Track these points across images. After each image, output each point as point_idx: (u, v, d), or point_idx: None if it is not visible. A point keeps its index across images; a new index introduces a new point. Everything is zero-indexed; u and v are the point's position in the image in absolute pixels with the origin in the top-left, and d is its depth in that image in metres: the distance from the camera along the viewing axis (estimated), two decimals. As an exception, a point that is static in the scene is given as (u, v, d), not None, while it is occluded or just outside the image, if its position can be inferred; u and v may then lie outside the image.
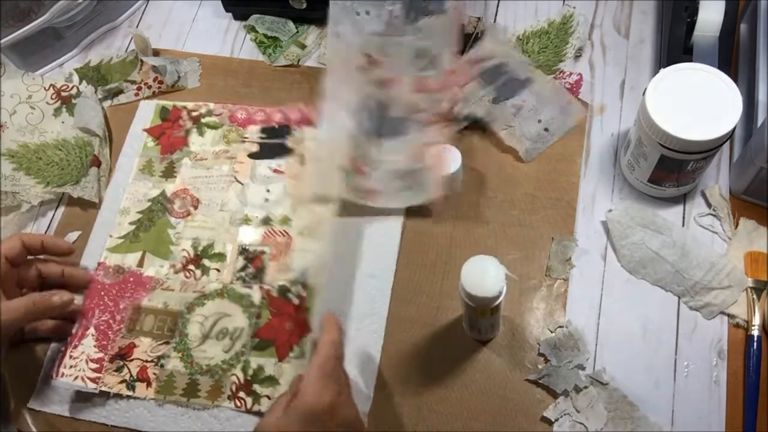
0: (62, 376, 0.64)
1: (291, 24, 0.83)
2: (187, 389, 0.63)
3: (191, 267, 0.69)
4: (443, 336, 0.65)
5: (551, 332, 0.64)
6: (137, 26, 0.89)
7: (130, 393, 0.63)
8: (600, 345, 0.64)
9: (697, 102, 0.59)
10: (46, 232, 0.75)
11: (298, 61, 0.81)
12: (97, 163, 0.76)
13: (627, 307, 0.65)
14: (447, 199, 0.69)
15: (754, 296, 0.63)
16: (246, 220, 0.70)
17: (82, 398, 0.65)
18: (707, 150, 0.60)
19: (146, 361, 0.65)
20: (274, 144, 0.74)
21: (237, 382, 0.63)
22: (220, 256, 0.69)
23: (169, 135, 0.77)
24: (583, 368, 0.62)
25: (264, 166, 0.73)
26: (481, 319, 0.59)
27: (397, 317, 0.66)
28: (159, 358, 0.65)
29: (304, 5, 0.81)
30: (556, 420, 0.61)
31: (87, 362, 0.65)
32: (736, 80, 0.67)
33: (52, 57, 0.86)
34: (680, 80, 0.61)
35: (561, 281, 0.66)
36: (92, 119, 0.78)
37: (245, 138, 0.75)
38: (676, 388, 0.61)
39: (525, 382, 0.63)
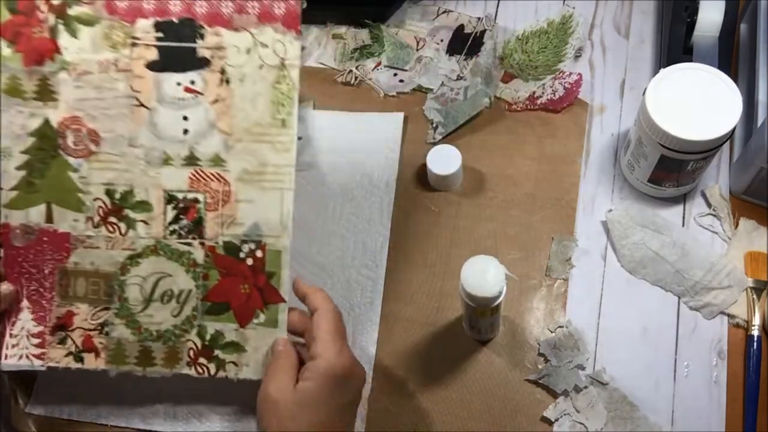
0: (6, 358, 0.59)
1: None
2: (140, 357, 0.58)
3: (113, 219, 0.59)
4: (443, 336, 0.65)
5: (551, 332, 0.64)
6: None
7: (78, 365, 0.58)
8: (600, 345, 0.64)
9: (697, 102, 0.59)
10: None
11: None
12: None
13: (627, 307, 0.65)
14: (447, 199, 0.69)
15: (754, 296, 0.63)
16: (166, 160, 0.58)
17: (81, 399, 0.65)
18: (707, 150, 0.60)
19: (89, 330, 0.59)
20: (178, 49, 0.57)
21: (194, 347, 0.58)
22: (145, 205, 0.58)
23: (29, 36, 0.58)
24: (583, 368, 0.62)
25: (171, 82, 0.57)
26: (481, 319, 0.59)
27: (396, 317, 0.66)
28: (102, 325, 0.59)
29: (304, 5, 0.81)
30: (556, 420, 0.61)
31: (28, 338, 0.59)
32: (736, 80, 0.67)
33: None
34: (680, 80, 0.61)
35: (561, 281, 0.66)
36: None
37: (136, 39, 0.57)
38: (676, 388, 0.61)
39: (525, 382, 0.63)
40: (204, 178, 0.58)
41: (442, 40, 0.81)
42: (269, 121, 0.57)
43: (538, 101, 0.76)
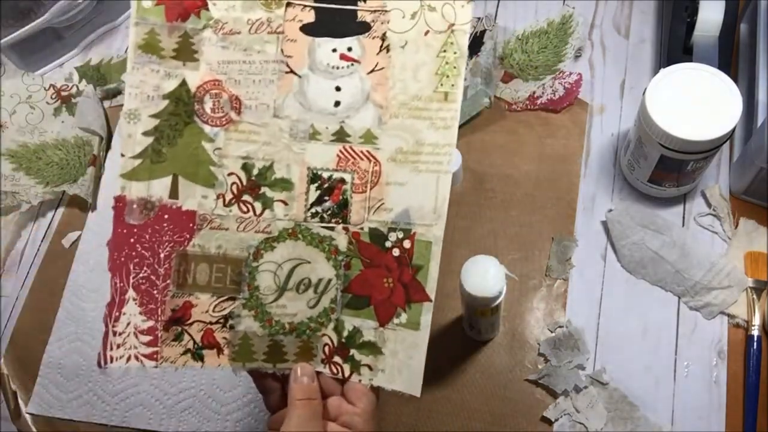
0: (111, 360, 0.50)
1: None
2: (269, 353, 0.51)
3: (247, 198, 0.52)
4: (443, 336, 0.65)
5: (551, 332, 0.64)
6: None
7: (198, 364, 0.51)
8: (600, 345, 0.64)
9: (697, 102, 0.59)
10: (45, 232, 0.75)
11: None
12: (94, 162, 0.76)
13: (627, 307, 0.65)
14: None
15: (754, 296, 0.63)
16: (314, 134, 0.51)
17: (80, 399, 0.65)
18: (707, 150, 0.60)
19: (210, 323, 0.51)
20: (337, 12, 0.51)
21: (330, 343, 0.51)
22: (286, 184, 0.51)
23: None
24: (583, 368, 0.62)
25: (326, 48, 0.51)
26: (481, 319, 0.59)
27: (397, 317, 0.66)
28: (226, 318, 0.51)
29: None
30: (556, 420, 0.61)
31: (137, 335, 0.51)
32: (736, 80, 0.67)
33: (52, 57, 0.86)
34: (680, 80, 0.61)
35: (561, 281, 0.66)
36: (94, 120, 0.78)
37: (292, 0, 0.51)
38: (676, 388, 0.61)
39: (525, 382, 0.63)
40: (353, 156, 0.51)
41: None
42: (430, 94, 0.50)
43: (538, 101, 0.76)
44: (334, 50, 0.51)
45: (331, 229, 0.51)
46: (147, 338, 0.51)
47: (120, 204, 0.51)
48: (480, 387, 0.63)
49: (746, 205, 0.68)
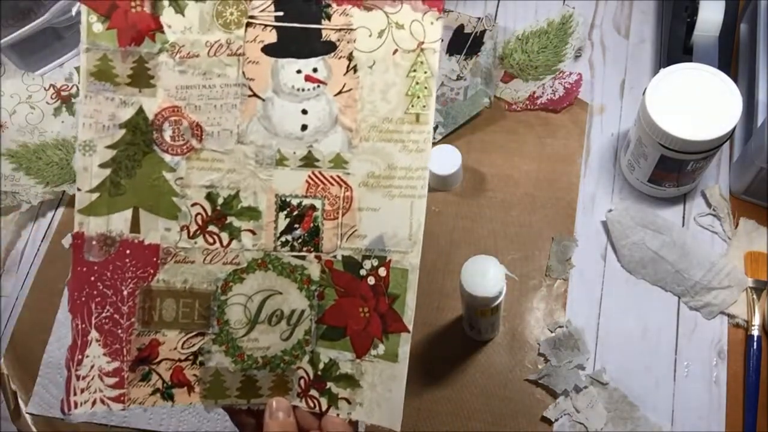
0: (75, 406, 0.48)
1: None
2: (243, 388, 0.49)
3: (213, 229, 0.50)
4: (443, 336, 0.65)
5: (551, 332, 0.64)
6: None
7: (168, 403, 0.49)
8: (600, 345, 0.64)
9: (697, 102, 0.59)
10: (46, 233, 0.75)
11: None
12: None
13: (627, 307, 0.65)
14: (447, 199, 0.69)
15: (754, 296, 0.63)
16: (281, 160, 0.49)
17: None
18: (707, 150, 0.60)
19: (179, 361, 0.49)
20: (301, 31, 0.48)
21: (306, 377, 0.49)
22: (253, 212, 0.49)
23: (126, 10, 0.48)
24: (583, 368, 0.62)
25: (290, 69, 0.48)
26: (481, 319, 0.59)
27: (397, 317, 0.66)
28: (195, 354, 0.49)
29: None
30: (556, 420, 0.61)
31: (102, 378, 0.49)
32: (736, 80, 0.68)
33: (52, 57, 0.86)
34: (680, 80, 0.61)
35: (561, 281, 0.66)
36: None
37: (252, 18, 0.48)
38: (676, 388, 0.61)
39: (525, 382, 0.63)
40: (323, 182, 0.49)
41: (442, 40, 0.81)
42: (401, 116, 0.48)
43: (538, 101, 0.76)
44: (299, 71, 0.48)
45: (303, 258, 0.49)
46: (113, 380, 0.49)
47: (78, 241, 0.48)
48: (480, 387, 0.63)
49: (746, 205, 0.68)
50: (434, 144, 0.73)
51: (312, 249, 0.49)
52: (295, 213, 0.49)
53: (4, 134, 0.79)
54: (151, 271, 0.49)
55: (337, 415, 0.48)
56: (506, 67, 0.78)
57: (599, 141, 0.73)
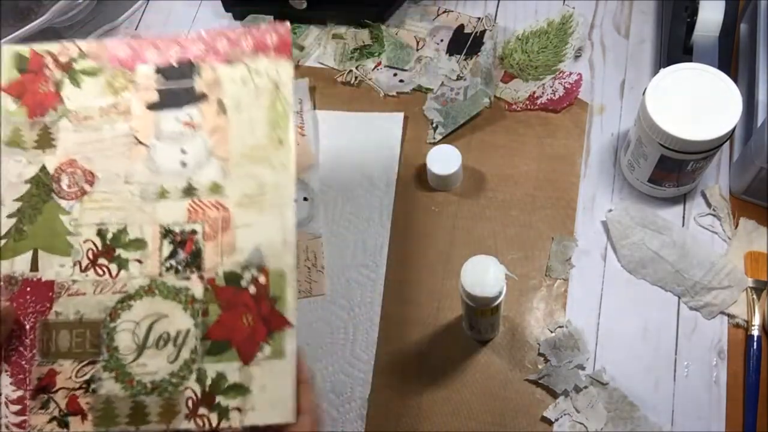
0: None
1: None
2: (132, 415, 0.52)
3: (102, 262, 0.55)
4: (443, 336, 0.65)
5: (551, 332, 0.64)
6: (137, 27, 0.88)
7: (65, 431, 0.52)
8: (600, 345, 0.64)
9: (697, 102, 0.59)
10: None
11: (298, 62, 0.81)
12: None
13: (627, 307, 0.65)
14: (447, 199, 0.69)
15: (754, 296, 0.63)
16: (162, 194, 0.56)
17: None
18: (707, 150, 0.60)
19: (74, 389, 0.53)
20: (176, 89, 0.58)
21: (193, 396, 0.52)
22: (139, 243, 0.55)
23: (35, 91, 0.59)
24: (583, 368, 0.62)
25: (169, 118, 0.58)
26: (481, 319, 0.59)
27: (396, 317, 0.66)
28: (88, 382, 0.53)
29: (305, 5, 0.81)
30: (556, 420, 0.61)
31: (8, 405, 0.53)
32: (736, 80, 0.68)
33: (52, 57, 0.86)
34: (680, 80, 0.61)
35: (561, 281, 0.66)
36: None
37: (136, 83, 0.58)
38: (676, 388, 0.61)
39: (525, 382, 0.63)
40: (202, 208, 0.56)
41: (442, 40, 0.81)
42: (266, 143, 0.56)
43: (538, 101, 0.76)
44: (177, 119, 0.57)
45: (187, 279, 0.53)
46: (17, 407, 0.53)
47: None
48: (480, 387, 0.63)
49: (746, 205, 0.68)
50: (434, 144, 0.73)
51: (195, 269, 0.53)
52: (178, 239, 0.54)
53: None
54: (48, 305, 0.54)
55: (229, 426, 0.50)
56: (506, 67, 0.78)
57: (599, 141, 0.73)
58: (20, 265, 0.56)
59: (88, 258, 0.55)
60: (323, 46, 0.82)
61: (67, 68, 0.60)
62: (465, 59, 0.79)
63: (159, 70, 0.58)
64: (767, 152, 0.60)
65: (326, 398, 0.63)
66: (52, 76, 0.59)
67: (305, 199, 0.73)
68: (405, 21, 0.83)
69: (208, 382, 0.52)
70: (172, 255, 0.54)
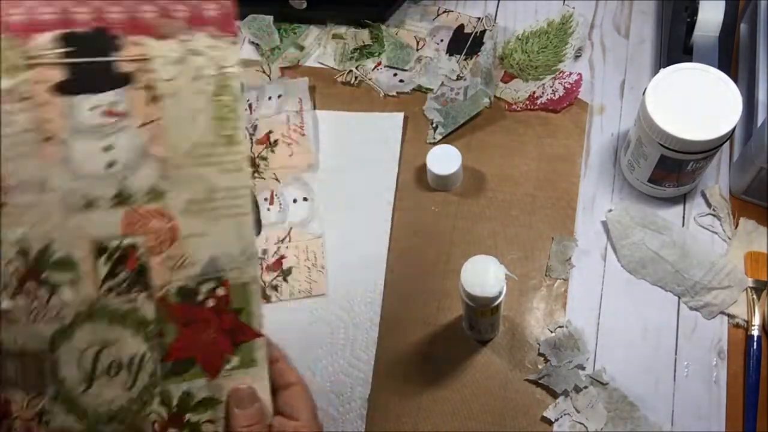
0: None
1: (276, 35, 0.83)
2: None
3: (30, 286, 0.48)
4: (443, 336, 0.65)
5: (551, 332, 0.64)
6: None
7: None
8: (600, 345, 0.64)
9: (697, 102, 0.59)
10: None
11: (298, 62, 0.81)
12: None
13: (627, 307, 0.65)
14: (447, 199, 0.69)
15: (754, 296, 0.63)
16: (89, 203, 0.46)
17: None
18: (707, 150, 0.60)
19: (28, 420, 0.48)
20: (90, 66, 0.46)
21: (160, 419, 0.48)
22: (68, 263, 0.47)
23: None
24: (583, 368, 0.62)
25: (86, 105, 0.46)
26: (481, 319, 0.59)
27: (396, 317, 0.66)
28: (40, 415, 0.48)
29: (305, 5, 0.81)
30: (556, 420, 0.61)
31: None
32: (736, 80, 0.67)
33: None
34: (680, 80, 0.61)
35: (561, 281, 0.66)
36: None
37: (35, 59, 0.45)
38: (676, 388, 0.61)
39: (525, 382, 0.63)
40: (141, 218, 0.47)
41: (442, 40, 0.81)
42: (212, 139, 0.47)
43: (538, 101, 0.76)
44: (95, 107, 0.46)
45: (134, 300, 0.47)
46: None
47: None
48: (480, 387, 0.63)
49: (746, 205, 0.68)
50: (434, 144, 0.73)
51: (142, 289, 0.47)
52: (116, 255, 0.47)
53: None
54: None
55: None
56: (506, 67, 0.78)
57: (599, 141, 0.73)
58: None
59: (15, 282, 0.47)
60: (323, 46, 0.82)
61: None
62: (465, 59, 0.79)
63: (63, 40, 0.45)
64: (767, 152, 0.60)
65: (326, 398, 0.63)
66: None
67: (305, 199, 0.73)
68: (405, 21, 0.83)
69: (174, 402, 0.48)
70: (112, 274, 0.47)
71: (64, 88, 0.45)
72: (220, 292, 0.48)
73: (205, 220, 0.47)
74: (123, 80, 0.46)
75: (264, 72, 0.80)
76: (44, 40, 0.44)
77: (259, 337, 0.48)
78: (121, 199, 0.46)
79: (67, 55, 0.45)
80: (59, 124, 0.45)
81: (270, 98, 0.79)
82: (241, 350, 0.48)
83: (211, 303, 0.48)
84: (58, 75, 0.45)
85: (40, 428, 0.47)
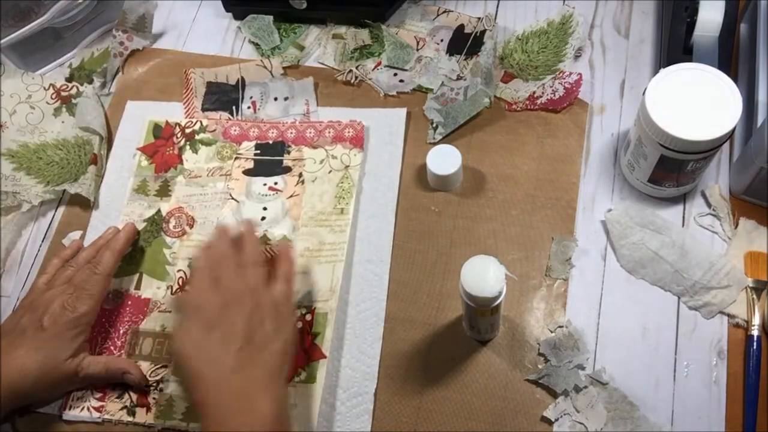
0: (69, 408, 0.63)
1: (276, 35, 0.83)
2: (186, 413, 0.62)
3: (188, 288, 0.67)
4: (443, 336, 0.65)
5: (551, 332, 0.64)
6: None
7: (130, 419, 0.63)
8: (600, 345, 0.64)
9: (697, 102, 0.59)
10: (46, 233, 0.75)
11: (298, 62, 0.81)
12: (95, 161, 0.76)
13: (627, 307, 0.65)
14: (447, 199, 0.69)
15: (754, 296, 0.63)
16: None
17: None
18: (707, 150, 0.60)
19: (146, 386, 0.64)
20: (269, 161, 0.73)
21: None
22: None
23: (163, 153, 0.76)
24: (583, 368, 0.62)
25: (259, 183, 0.73)
26: (481, 319, 0.59)
27: (396, 317, 0.66)
28: (158, 382, 0.64)
29: (305, 5, 0.81)
30: (556, 420, 0.61)
31: (92, 392, 0.64)
32: (736, 80, 0.68)
33: (52, 57, 0.86)
34: (680, 80, 0.61)
35: (561, 281, 0.67)
36: (94, 119, 0.78)
37: (239, 154, 0.74)
38: (676, 388, 0.61)
39: (525, 382, 0.63)
40: (271, 254, 0.68)
41: (442, 40, 0.81)
42: (330, 210, 0.70)
43: (538, 101, 0.76)
44: (265, 184, 0.73)
45: None
46: (99, 394, 0.64)
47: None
48: (480, 387, 0.63)
49: (746, 205, 0.68)
50: (434, 144, 0.73)
51: None
52: None
53: (4, 134, 0.79)
54: (141, 317, 0.68)
55: None
56: (506, 67, 0.78)
57: (599, 141, 0.73)
58: (127, 283, 0.69)
59: (179, 284, 0.69)
60: (323, 46, 0.82)
61: (190, 138, 0.76)
62: (465, 59, 0.79)
63: (258, 146, 0.75)
64: (767, 152, 0.61)
65: (333, 393, 0.63)
66: (177, 142, 0.76)
67: None
68: (405, 21, 0.83)
69: None
70: None
71: (250, 172, 0.74)
72: (308, 317, 0.65)
73: (312, 263, 0.68)
74: (285, 170, 0.74)
75: (265, 67, 0.80)
76: (248, 144, 0.75)
77: (324, 358, 0.63)
78: (264, 239, 0.70)
79: (257, 154, 0.75)
80: (240, 191, 0.73)
81: (276, 99, 0.79)
82: (310, 366, 0.63)
83: (299, 324, 0.64)
84: (248, 164, 0.74)
85: (154, 393, 0.64)
